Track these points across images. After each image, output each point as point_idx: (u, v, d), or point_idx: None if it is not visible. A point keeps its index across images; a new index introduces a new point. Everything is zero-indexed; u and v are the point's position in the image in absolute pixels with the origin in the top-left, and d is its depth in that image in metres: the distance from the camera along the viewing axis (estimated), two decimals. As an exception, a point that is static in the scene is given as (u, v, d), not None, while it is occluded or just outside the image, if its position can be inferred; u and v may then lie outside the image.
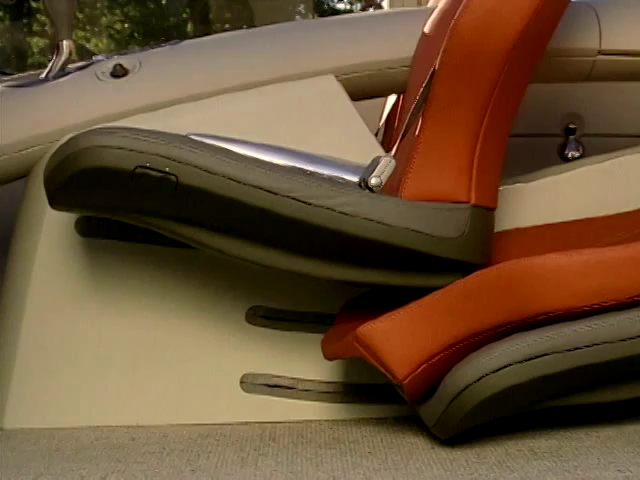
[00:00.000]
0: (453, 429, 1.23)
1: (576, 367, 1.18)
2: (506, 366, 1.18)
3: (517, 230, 1.47)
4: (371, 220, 1.24)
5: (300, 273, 1.30)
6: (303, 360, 1.42)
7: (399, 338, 1.24)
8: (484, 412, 1.22)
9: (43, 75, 1.51)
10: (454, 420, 1.21)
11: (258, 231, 1.26)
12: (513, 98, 1.33)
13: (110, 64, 1.47)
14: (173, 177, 1.21)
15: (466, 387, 1.19)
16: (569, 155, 1.80)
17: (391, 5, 2.37)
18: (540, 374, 1.18)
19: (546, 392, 1.23)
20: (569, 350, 1.18)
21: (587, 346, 1.18)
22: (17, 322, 1.41)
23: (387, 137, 1.60)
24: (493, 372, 1.18)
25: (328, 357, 1.37)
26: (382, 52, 1.51)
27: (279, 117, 1.44)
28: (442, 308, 1.24)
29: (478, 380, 1.18)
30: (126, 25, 6.11)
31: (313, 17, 5.85)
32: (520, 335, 1.20)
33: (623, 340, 1.18)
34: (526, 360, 1.18)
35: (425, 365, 1.23)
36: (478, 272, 1.24)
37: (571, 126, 1.82)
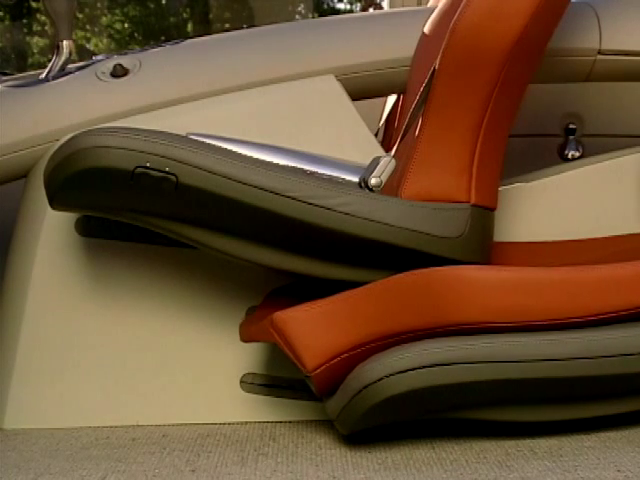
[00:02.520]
0: (355, 425, 1.23)
1: (477, 381, 1.18)
2: (410, 369, 1.18)
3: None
4: (371, 220, 1.24)
5: (300, 273, 1.30)
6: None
7: (314, 329, 1.23)
8: (385, 412, 1.21)
9: (43, 75, 1.51)
10: (355, 416, 1.21)
11: (258, 231, 1.26)
12: (513, 98, 1.33)
13: (110, 64, 1.47)
14: (173, 177, 1.21)
15: (369, 384, 1.19)
16: (569, 155, 1.80)
17: (391, 5, 2.37)
18: (442, 382, 1.18)
19: (448, 401, 1.22)
20: (471, 363, 1.18)
21: (488, 362, 1.18)
22: (17, 322, 1.41)
23: (387, 137, 1.60)
24: (397, 373, 1.18)
25: (243, 339, 1.36)
26: (382, 52, 1.51)
27: (279, 117, 1.44)
28: (361, 306, 1.23)
29: (381, 379, 1.18)
30: (126, 25, 6.11)
31: (313, 17, 5.85)
32: (430, 341, 1.20)
33: (523, 362, 1.18)
34: (430, 366, 1.18)
35: (336, 360, 1.23)
36: (399, 275, 1.24)
37: (571, 126, 1.82)
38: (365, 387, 1.19)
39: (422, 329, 1.21)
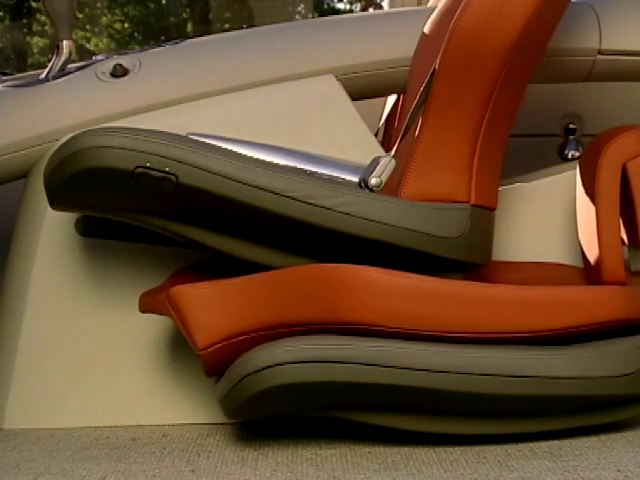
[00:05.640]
0: (238, 412, 1.24)
1: (359, 382, 1.18)
2: (294, 363, 1.18)
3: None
4: (371, 220, 1.24)
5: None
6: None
7: (209, 308, 1.23)
8: (266, 402, 1.21)
9: (43, 75, 1.51)
10: (237, 402, 1.21)
11: (258, 231, 1.26)
12: (513, 98, 1.33)
13: (110, 64, 1.47)
14: (173, 177, 1.21)
15: (252, 373, 1.18)
16: (569, 155, 1.80)
17: (391, 5, 2.37)
18: (324, 379, 1.18)
19: (329, 399, 1.22)
20: (355, 363, 1.18)
21: (372, 365, 1.18)
22: (17, 322, 1.41)
23: (387, 137, 1.60)
24: (280, 365, 1.18)
25: (140, 309, 1.35)
26: (382, 52, 1.51)
27: (279, 117, 1.44)
28: (259, 292, 1.23)
29: (264, 369, 1.18)
30: (126, 25, 6.11)
31: (313, 17, 5.85)
32: (319, 337, 1.20)
33: (406, 369, 1.18)
34: (314, 362, 1.18)
35: (228, 342, 1.23)
36: (302, 266, 1.24)
37: (571, 126, 1.82)
38: (248, 375, 1.19)
39: (315, 323, 1.21)
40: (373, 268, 1.22)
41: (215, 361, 1.24)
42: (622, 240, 1.33)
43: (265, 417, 1.26)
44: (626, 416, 1.27)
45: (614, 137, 1.31)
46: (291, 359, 1.18)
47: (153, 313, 1.33)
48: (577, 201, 1.41)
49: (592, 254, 1.32)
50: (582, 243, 1.39)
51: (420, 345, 1.20)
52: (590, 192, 1.32)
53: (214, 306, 1.23)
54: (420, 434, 1.24)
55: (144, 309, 1.34)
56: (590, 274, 1.35)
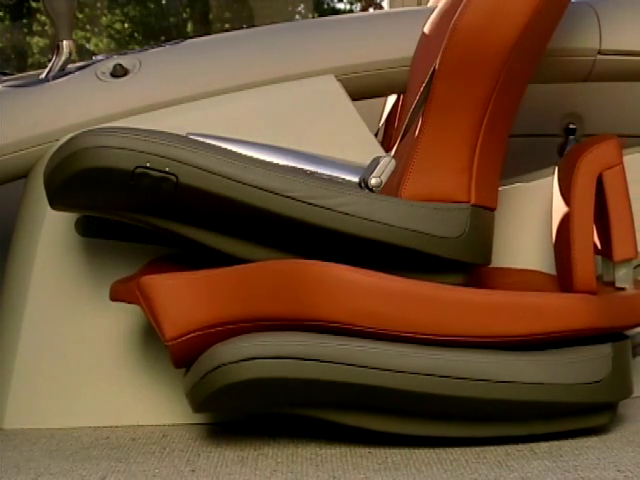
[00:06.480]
0: (204, 405, 1.24)
1: (325, 380, 1.19)
2: (260, 358, 1.18)
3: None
4: (371, 220, 1.24)
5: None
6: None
7: (179, 299, 1.23)
8: (233, 397, 1.21)
9: (43, 75, 1.51)
10: (203, 395, 1.21)
11: (258, 231, 1.26)
12: (513, 98, 1.33)
13: (110, 64, 1.47)
14: (173, 177, 1.21)
15: (218, 366, 1.19)
16: (569, 155, 1.80)
17: (391, 5, 2.37)
18: (290, 376, 1.18)
19: (295, 396, 1.22)
20: (322, 361, 1.18)
21: (339, 363, 1.18)
22: (17, 322, 1.41)
23: (387, 137, 1.60)
24: (247, 360, 1.18)
25: (111, 297, 1.34)
26: (382, 52, 1.51)
27: (279, 117, 1.44)
28: (230, 284, 1.23)
29: (231, 363, 1.18)
30: (126, 25, 6.11)
31: (313, 17, 5.85)
32: (287, 333, 1.20)
33: (372, 368, 1.19)
34: (280, 358, 1.18)
35: (196, 334, 1.23)
36: (275, 261, 1.24)
37: (571, 126, 1.82)
38: (215, 368, 1.19)
39: (285, 319, 1.21)
40: (344, 266, 1.22)
41: (183, 353, 1.24)
42: (596, 249, 1.34)
43: (230, 410, 1.27)
44: (594, 424, 1.27)
45: (592, 146, 1.32)
46: (258, 354, 1.18)
47: (123, 302, 1.32)
48: (553, 207, 1.41)
49: (565, 262, 1.33)
50: (556, 250, 1.40)
51: (388, 345, 1.20)
52: (566, 200, 1.32)
53: (184, 297, 1.23)
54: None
55: (114, 297, 1.34)
56: (562, 282, 1.35)
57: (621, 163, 1.32)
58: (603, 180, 1.31)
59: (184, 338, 1.23)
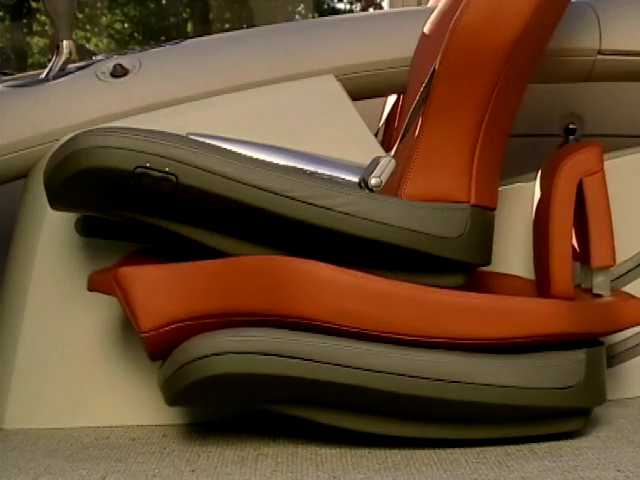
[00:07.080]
0: (177, 398, 1.24)
1: (298, 377, 1.19)
2: (234, 353, 1.18)
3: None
4: (371, 220, 1.24)
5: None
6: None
7: (155, 291, 1.23)
8: (205, 391, 1.21)
9: (43, 75, 1.51)
10: (176, 389, 1.21)
11: (258, 231, 1.26)
12: (513, 98, 1.33)
13: (110, 64, 1.47)
14: (173, 177, 1.21)
15: (192, 360, 1.19)
16: (569, 155, 1.80)
17: (391, 5, 2.37)
18: (263, 372, 1.18)
19: (267, 392, 1.22)
20: (295, 358, 1.19)
21: (312, 360, 1.19)
22: (17, 322, 1.41)
23: (387, 137, 1.60)
24: (220, 354, 1.18)
25: (88, 287, 1.34)
26: (382, 52, 1.51)
27: (279, 117, 1.44)
28: (207, 278, 1.23)
29: (204, 357, 1.18)
30: (126, 25, 6.11)
31: (313, 17, 5.85)
32: (261, 329, 1.20)
33: (345, 367, 1.19)
34: (253, 353, 1.18)
35: (171, 327, 1.23)
36: (253, 257, 1.24)
37: (571, 126, 1.82)
38: (189, 362, 1.19)
39: (262, 315, 1.21)
40: (322, 264, 1.22)
41: (159, 345, 1.24)
42: (575, 255, 1.34)
43: (203, 404, 1.27)
44: (568, 429, 1.27)
45: (573, 152, 1.32)
46: (232, 349, 1.18)
47: (100, 292, 1.32)
48: (533, 212, 1.41)
49: (543, 267, 1.33)
50: (535, 254, 1.40)
51: (366, 345, 1.20)
52: (546, 205, 1.32)
53: (160, 289, 1.23)
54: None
55: (92, 288, 1.34)
56: (540, 287, 1.36)
57: (602, 170, 1.33)
58: (583, 187, 1.32)
59: (159, 331, 1.23)
